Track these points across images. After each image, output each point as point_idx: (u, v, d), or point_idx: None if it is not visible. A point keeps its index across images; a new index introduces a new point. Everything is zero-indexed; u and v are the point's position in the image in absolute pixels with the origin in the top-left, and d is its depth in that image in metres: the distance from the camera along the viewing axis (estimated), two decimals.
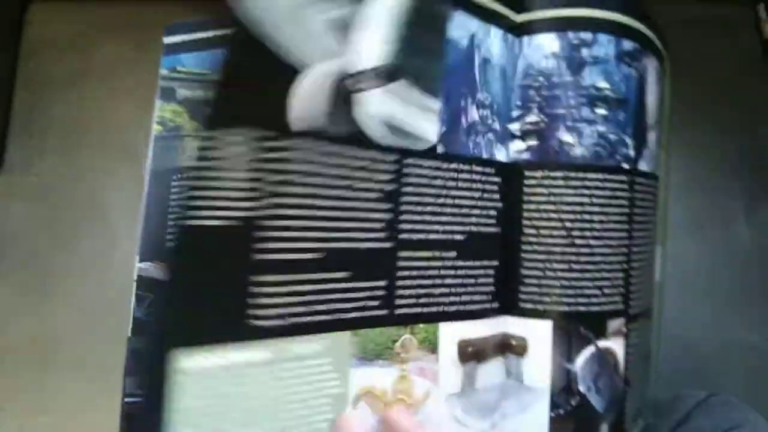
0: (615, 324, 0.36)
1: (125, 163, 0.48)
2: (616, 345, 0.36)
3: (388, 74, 0.31)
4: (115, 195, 0.48)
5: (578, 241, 0.35)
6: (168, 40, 0.38)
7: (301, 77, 0.28)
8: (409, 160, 0.32)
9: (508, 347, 0.35)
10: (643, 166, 0.37)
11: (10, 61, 0.50)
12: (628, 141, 0.36)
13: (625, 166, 0.36)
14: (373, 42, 0.30)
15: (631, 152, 0.36)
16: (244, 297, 0.28)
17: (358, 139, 0.30)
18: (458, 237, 0.34)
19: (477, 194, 0.35)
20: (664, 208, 0.42)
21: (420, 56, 0.32)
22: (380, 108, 0.31)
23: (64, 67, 0.50)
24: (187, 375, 0.27)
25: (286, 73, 0.27)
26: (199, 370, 0.27)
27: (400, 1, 0.31)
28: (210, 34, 0.37)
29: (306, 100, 0.28)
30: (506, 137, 0.36)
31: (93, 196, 0.48)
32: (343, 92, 0.29)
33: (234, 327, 0.28)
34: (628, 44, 0.36)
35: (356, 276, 0.31)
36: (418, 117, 0.32)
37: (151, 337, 0.29)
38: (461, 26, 0.34)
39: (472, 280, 0.34)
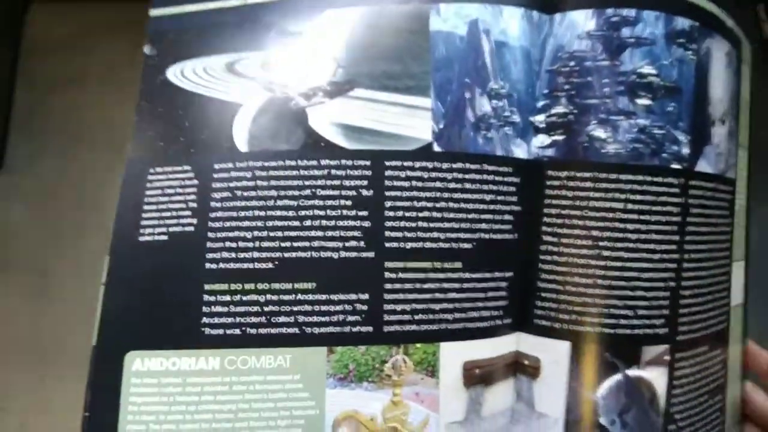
0: (653, 351, 0.31)
1: (125, 163, 0.47)
2: (654, 375, 0.31)
3: (336, 87, 0.31)
4: (115, 195, 0.47)
5: (606, 253, 0.30)
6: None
7: (242, 109, 0.31)
8: (392, 163, 0.30)
9: (520, 367, 0.31)
10: (703, 166, 0.32)
11: (10, 61, 0.49)
12: (681, 137, 0.31)
13: (676, 166, 0.31)
14: (317, 62, 0.32)
15: (685, 150, 0.31)
16: (197, 305, 0.29)
17: (321, 148, 0.30)
18: (465, 245, 0.30)
19: (489, 197, 0.31)
20: (747, 217, 0.37)
21: (385, 61, 0.31)
22: (340, 116, 0.31)
23: (64, 67, 0.50)
24: (140, 377, 0.29)
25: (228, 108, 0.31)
26: (153, 374, 0.29)
27: (347, 24, 0.32)
28: (201, 7, 0.34)
29: (249, 125, 0.31)
30: (528, 131, 0.31)
31: (93, 196, 0.47)
32: (294, 111, 0.31)
33: (186, 333, 0.29)
34: (683, 22, 0.31)
35: (325, 287, 0.29)
36: (401, 117, 0.31)
37: (108, 337, 0.30)
38: (452, 15, 0.31)
39: (482, 294, 0.31)
